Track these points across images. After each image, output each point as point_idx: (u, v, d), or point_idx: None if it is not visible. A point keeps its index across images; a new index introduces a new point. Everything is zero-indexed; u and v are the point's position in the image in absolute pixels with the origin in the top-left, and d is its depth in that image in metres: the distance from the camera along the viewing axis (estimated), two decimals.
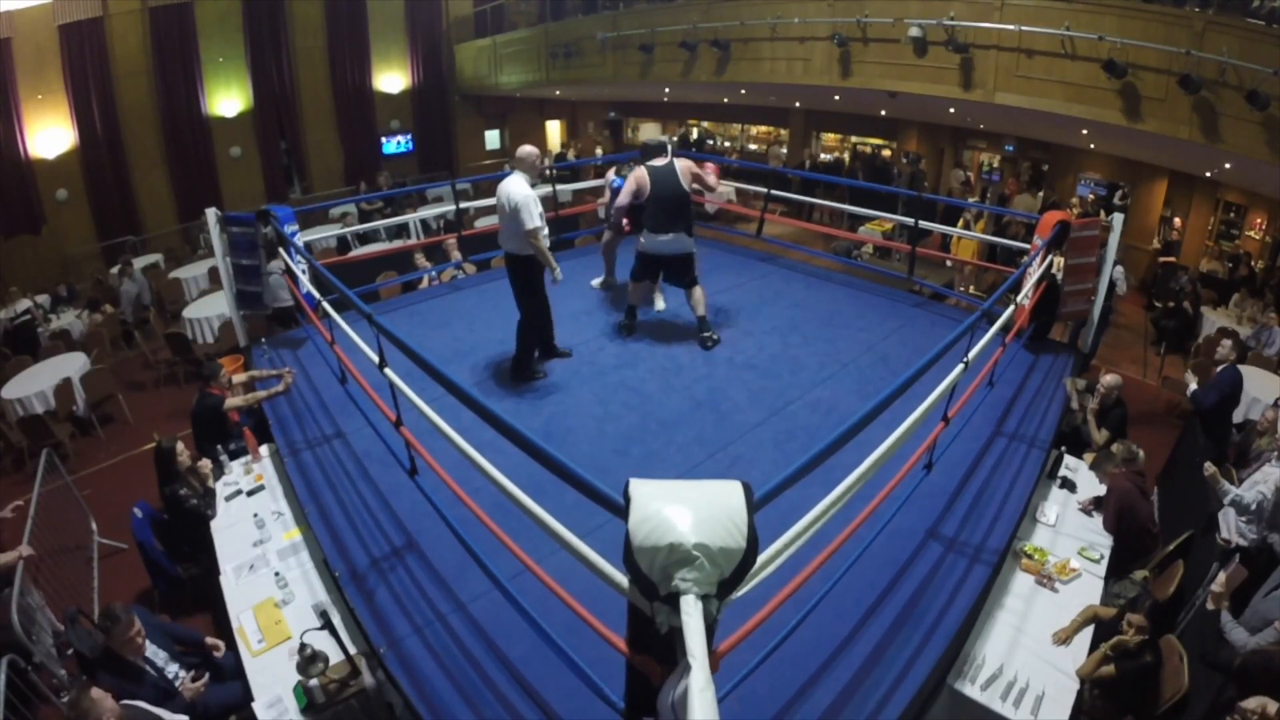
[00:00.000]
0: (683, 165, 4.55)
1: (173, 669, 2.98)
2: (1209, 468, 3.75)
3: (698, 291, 4.79)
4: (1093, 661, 2.76)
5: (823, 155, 13.65)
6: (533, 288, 4.26)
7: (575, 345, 4.91)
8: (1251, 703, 2.33)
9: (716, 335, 4.86)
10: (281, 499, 3.78)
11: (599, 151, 14.98)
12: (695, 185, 4.69)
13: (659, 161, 4.57)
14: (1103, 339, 5.99)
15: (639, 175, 4.56)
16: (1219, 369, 4.81)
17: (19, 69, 10.45)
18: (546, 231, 4.10)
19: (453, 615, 2.73)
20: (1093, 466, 3.97)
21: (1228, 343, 4.92)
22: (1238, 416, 5.57)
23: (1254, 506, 3.61)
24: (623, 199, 4.74)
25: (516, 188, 3.99)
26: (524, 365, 4.44)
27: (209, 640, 3.27)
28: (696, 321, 4.85)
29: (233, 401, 4.30)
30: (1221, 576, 3.02)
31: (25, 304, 8.92)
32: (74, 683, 2.49)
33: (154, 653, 2.94)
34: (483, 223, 10.23)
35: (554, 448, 1.77)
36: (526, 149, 4.12)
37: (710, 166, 5.06)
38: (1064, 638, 2.89)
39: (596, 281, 5.99)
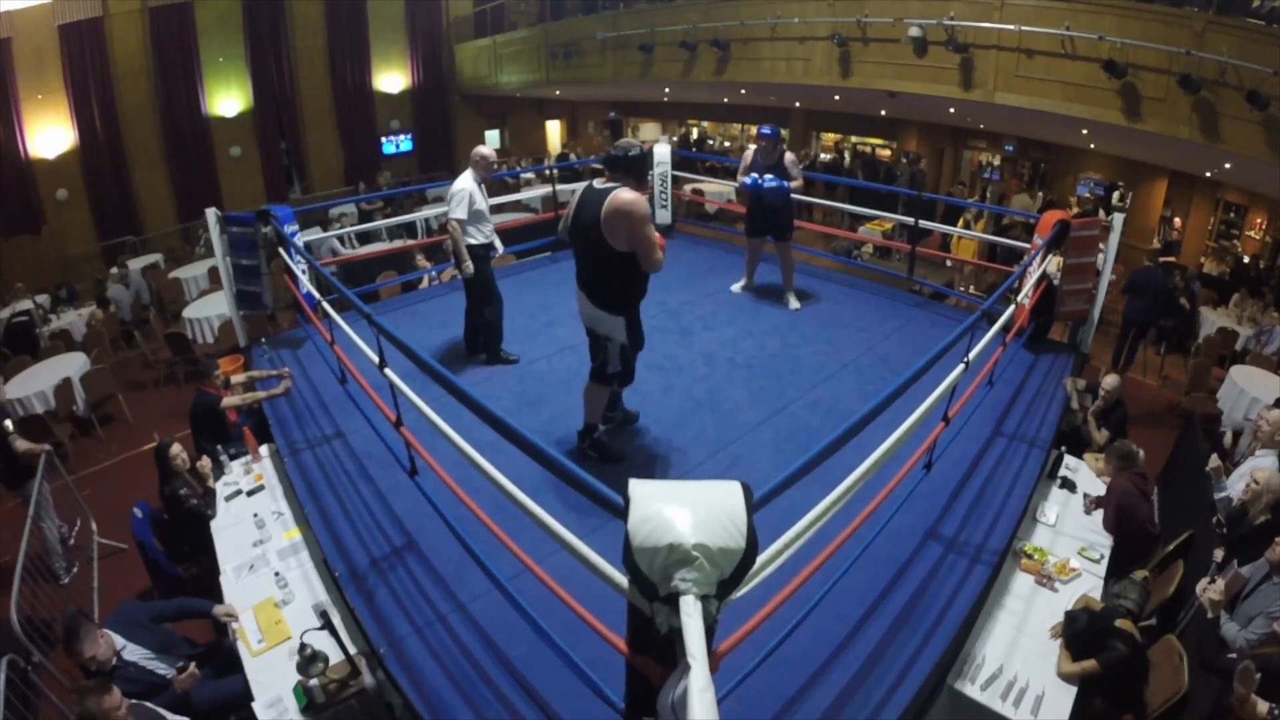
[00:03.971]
0: (614, 201, 2.86)
1: (154, 665, 2.93)
2: (1214, 460, 3.76)
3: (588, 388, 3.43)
4: (1062, 657, 2.75)
5: (823, 155, 13.65)
6: (480, 277, 4.43)
7: (575, 345, 4.91)
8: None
9: (594, 453, 3.52)
10: (281, 499, 3.78)
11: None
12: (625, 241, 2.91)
13: (598, 181, 3.05)
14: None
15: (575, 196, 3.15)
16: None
17: (19, 69, 10.47)
18: (488, 228, 4.42)
19: (453, 615, 2.73)
20: (1102, 449, 4.00)
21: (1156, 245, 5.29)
22: (1238, 419, 5.59)
23: (1236, 504, 3.62)
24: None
25: (459, 181, 4.31)
26: (494, 349, 4.65)
27: (218, 608, 3.10)
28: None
29: (230, 401, 4.30)
30: (1220, 583, 3.02)
31: (25, 304, 8.82)
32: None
33: (133, 652, 2.89)
34: None
35: (554, 448, 1.77)
36: (478, 149, 4.44)
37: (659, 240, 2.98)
38: (1060, 632, 2.89)
39: (737, 286, 5.85)
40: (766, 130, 5.10)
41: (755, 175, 5.04)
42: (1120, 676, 2.72)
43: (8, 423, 4.63)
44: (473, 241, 4.33)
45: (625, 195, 2.87)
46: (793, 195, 5.16)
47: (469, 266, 4.32)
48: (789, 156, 5.10)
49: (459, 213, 4.22)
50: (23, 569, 3.65)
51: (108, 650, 2.78)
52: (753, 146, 5.15)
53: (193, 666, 2.97)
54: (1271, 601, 2.88)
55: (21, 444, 4.60)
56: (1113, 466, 3.70)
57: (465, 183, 4.27)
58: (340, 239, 9.46)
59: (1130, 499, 3.54)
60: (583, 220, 3.00)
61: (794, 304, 5.51)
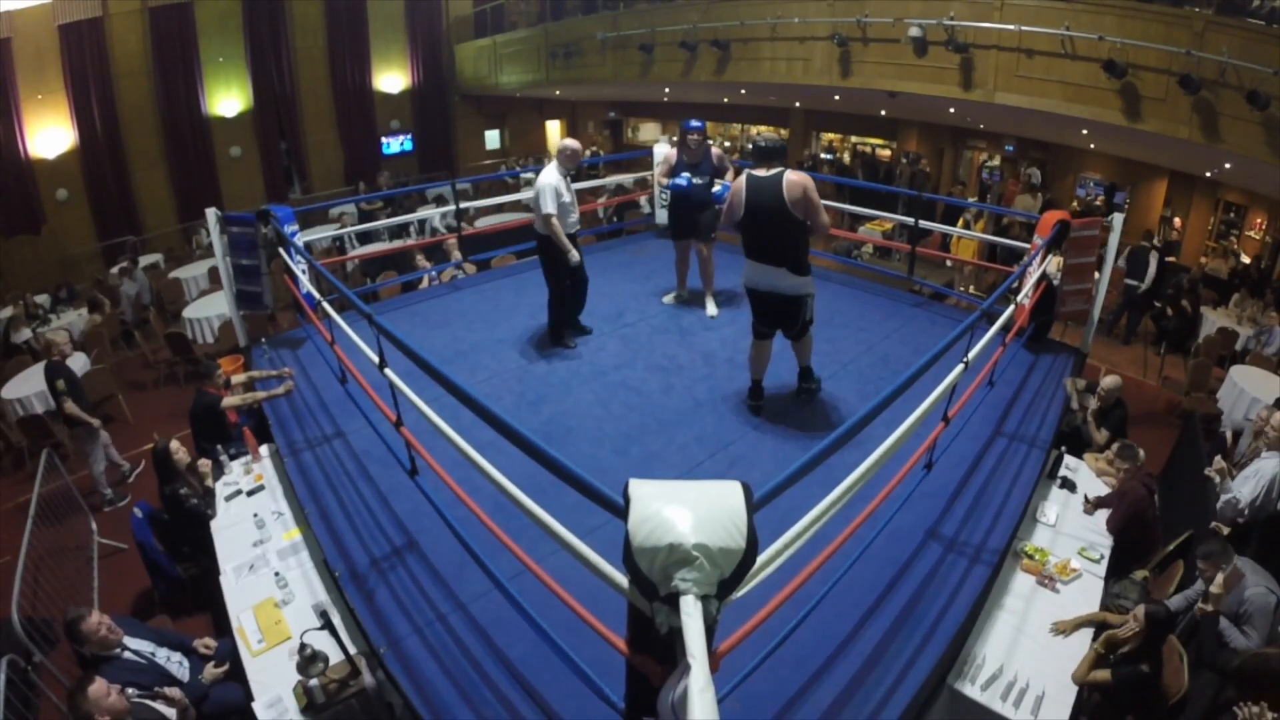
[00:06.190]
0: (793, 179, 3.44)
1: (164, 654, 3.00)
2: (1218, 461, 3.76)
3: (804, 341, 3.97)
4: (1086, 663, 2.75)
5: (822, 155, 13.63)
6: (554, 266, 4.57)
7: (575, 345, 4.91)
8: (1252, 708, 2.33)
9: (816, 385, 4.15)
10: (281, 499, 3.78)
11: (588, 152, 14.70)
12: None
13: (762, 171, 3.54)
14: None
15: (737, 186, 3.64)
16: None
17: (19, 69, 10.47)
18: (574, 218, 4.60)
19: (453, 615, 2.73)
20: (1103, 449, 4.01)
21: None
22: (1238, 419, 5.58)
23: (1246, 510, 3.61)
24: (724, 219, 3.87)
25: (543, 176, 4.39)
26: (555, 333, 4.88)
27: (197, 641, 3.25)
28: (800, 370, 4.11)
29: (230, 401, 4.30)
30: (1219, 579, 3.02)
31: (25, 334, 8.17)
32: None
33: (137, 644, 2.95)
34: (483, 223, 10.23)
35: (554, 448, 1.77)
36: (564, 142, 4.55)
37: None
38: (1063, 629, 2.89)
39: (669, 297, 5.61)
40: (697, 124, 5.00)
41: (688, 176, 4.92)
42: (1130, 695, 2.73)
43: (60, 383, 5.09)
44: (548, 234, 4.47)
45: (798, 174, 3.45)
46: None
47: (574, 255, 4.47)
48: (715, 151, 5.01)
49: (550, 207, 4.34)
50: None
51: (110, 629, 2.81)
52: (668, 148, 4.89)
53: (210, 666, 3.03)
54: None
55: (70, 407, 5.09)
56: (1124, 469, 3.70)
57: (550, 176, 4.37)
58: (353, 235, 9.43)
59: (1142, 505, 3.54)
60: (764, 204, 3.47)
61: (712, 310, 5.32)
